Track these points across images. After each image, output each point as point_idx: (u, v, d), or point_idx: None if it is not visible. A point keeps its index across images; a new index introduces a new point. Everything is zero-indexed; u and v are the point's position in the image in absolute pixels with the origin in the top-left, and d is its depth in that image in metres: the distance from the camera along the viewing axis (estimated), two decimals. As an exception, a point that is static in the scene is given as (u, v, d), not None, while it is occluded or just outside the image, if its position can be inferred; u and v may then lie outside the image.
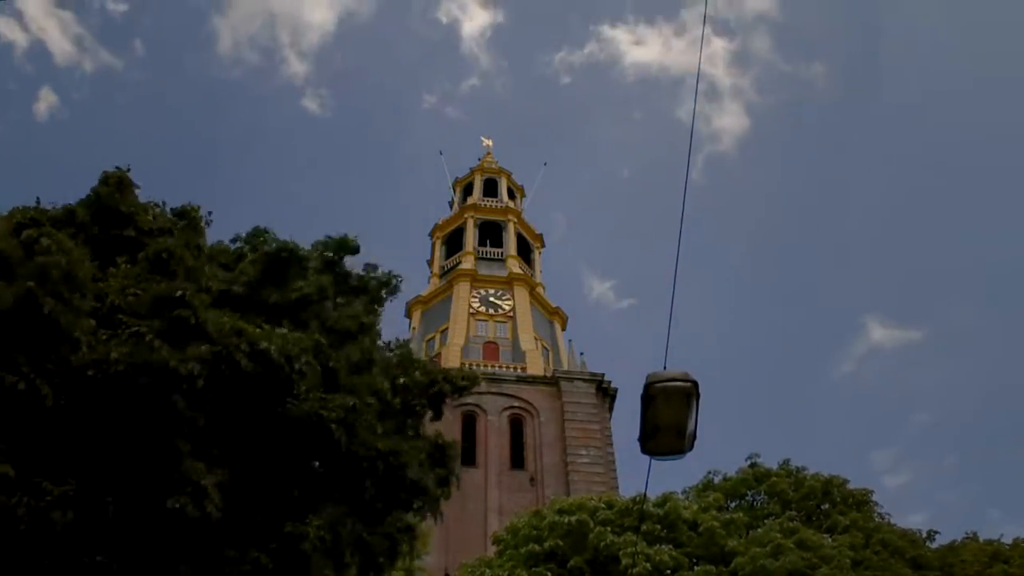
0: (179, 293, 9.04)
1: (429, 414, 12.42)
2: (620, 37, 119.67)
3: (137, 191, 11.65)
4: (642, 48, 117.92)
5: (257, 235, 12.08)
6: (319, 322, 10.80)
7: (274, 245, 11.40)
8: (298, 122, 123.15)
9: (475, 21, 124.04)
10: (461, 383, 12.33)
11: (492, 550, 25.08)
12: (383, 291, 12.70)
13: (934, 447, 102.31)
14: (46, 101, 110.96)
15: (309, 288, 10.88)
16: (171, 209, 12.14)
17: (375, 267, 12.69)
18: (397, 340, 12.97)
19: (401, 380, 11.66)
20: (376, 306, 12.64)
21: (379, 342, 12.19)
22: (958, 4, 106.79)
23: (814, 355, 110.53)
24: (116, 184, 11.24)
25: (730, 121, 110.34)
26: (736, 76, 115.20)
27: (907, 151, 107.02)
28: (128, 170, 11.57)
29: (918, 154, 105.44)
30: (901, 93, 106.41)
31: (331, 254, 12.30)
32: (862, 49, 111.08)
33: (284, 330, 9.75)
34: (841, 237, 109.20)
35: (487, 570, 22.56)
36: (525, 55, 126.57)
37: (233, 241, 12.40)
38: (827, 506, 25.52)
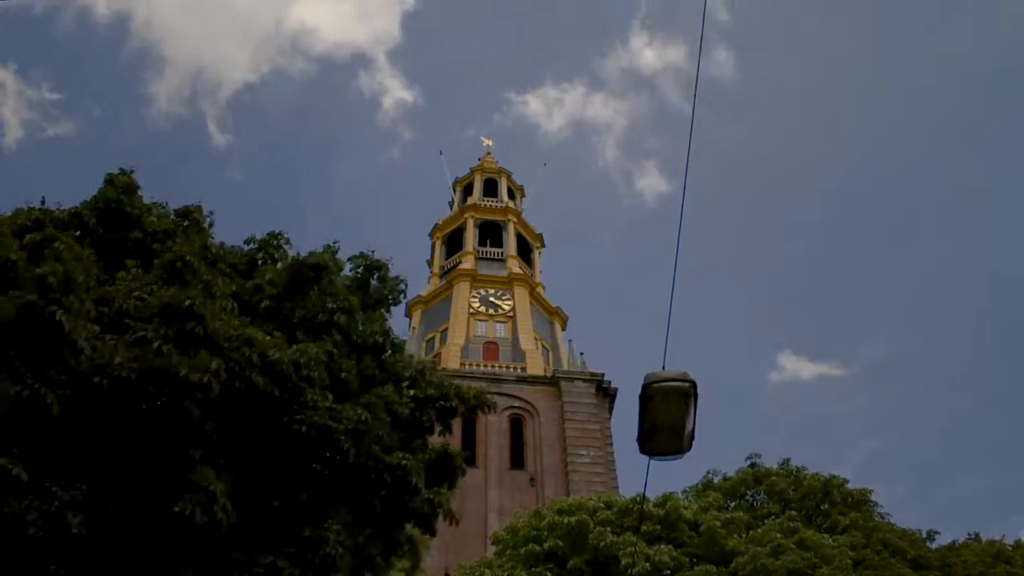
0: (187, 303, 9.01)
1: (437, 429, 12.40)
2: (534, 102, 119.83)
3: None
4: (559, 109, 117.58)
5: (272, 240, 12.08)
6: (343, 336, 10.80)
7: (298, 256, 11.41)
8: (298, 121, 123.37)
9: (394, 95, 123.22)
10: (472, 402, 12.32)
11: (492, 550, 25.12)
12: (389, 297, 12.74)
13: (881, 471, 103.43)
14: (13, 136, 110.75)
15: (337, 305, 10.87)
16: (174, 210, 12.15)
17: (386, 276, 12.70)
18: (411, 355, 12.99)
19: (412, 392, 11.66)
20: (385, 312, 12.72)
21: (397, 354, 12.16)
22: (867, 60, 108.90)
23: (733, 387, 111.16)
24: (122, 186, 11.24)
25: (650, 182, 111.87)
26: (654, 134, 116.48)
27: (811, 206, 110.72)
28: (132, 172, 11.59)
29: (822, 207, 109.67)
30: (811, 144, 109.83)
31: (360, 273, 12.35)
32: (772, 104, 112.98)
33: (298, 344, 9.74)
34: (755, 283, 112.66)
35: (487, 570, 22.60)
36: (443, 129, 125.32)
37: (247, 243, 12.38)
38: (827, 506, 25.55)
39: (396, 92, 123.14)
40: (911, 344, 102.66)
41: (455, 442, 14.98)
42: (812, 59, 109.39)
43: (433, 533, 11.43)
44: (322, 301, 10.89)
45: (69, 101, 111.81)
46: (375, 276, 12.52)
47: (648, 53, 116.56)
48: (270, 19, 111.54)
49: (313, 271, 10.99)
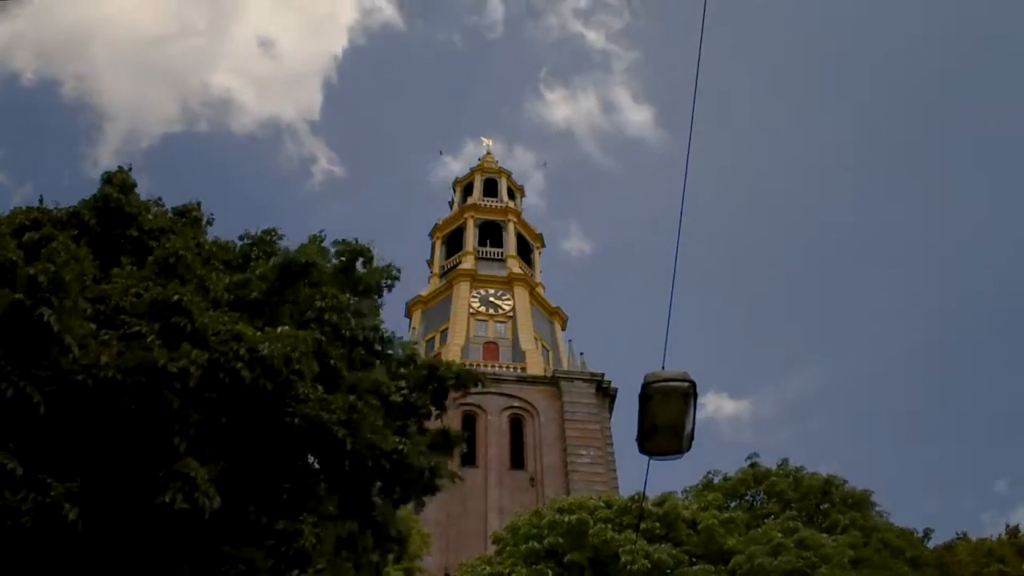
0: (176, 298, 9.01)
1: (433, 413, 12.41)
2: (455, 163, 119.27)
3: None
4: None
5: (266, 236, 12.05)
6: (333, 331, 10.81)
7: (287, 252, 11.40)
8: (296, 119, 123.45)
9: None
10: (464, 377, 12.29)
11: (492, 550, 25.13)
12: (382, 282, 12.68)
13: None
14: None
15: (326, 302, 10.88)
16: (171, 208, 12.15)
17: (371, 261, 12.64)
18: (399, 338, 12.93)
19: (402, 371, 11.62)
20: (378, 298, 12.68)
21: (386, 344, 12.13)
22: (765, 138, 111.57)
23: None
24: (120, 184, 11.25)
25: (573, 244, 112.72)
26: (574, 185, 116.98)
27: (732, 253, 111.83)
28: (130, 169, 11.61)
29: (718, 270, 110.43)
30: (715, 200, 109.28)
31: (344, 260, 12.28)
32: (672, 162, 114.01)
33: (284, 328, 9.72)
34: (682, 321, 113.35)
35: (487, 567, 22.63)
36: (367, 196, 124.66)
37: (241, 239, 12.33)
38: (827, 506, 25.56)
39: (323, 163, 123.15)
40: (836, 378, 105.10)
41: (447, 421, 14.94)
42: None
43: (434, 491, 11.42)
44: (311, 297, 10.88)
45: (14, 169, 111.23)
46: (359, 262, 12.44)
47: (561, 106, 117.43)
48: (197, 82, 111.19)
49: (301, 267, 10.97)
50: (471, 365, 41.16)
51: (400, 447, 10.17)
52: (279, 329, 9.61)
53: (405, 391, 11.39)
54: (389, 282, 12.72)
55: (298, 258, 11.02)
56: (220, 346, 8.96)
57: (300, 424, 9.27)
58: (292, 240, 12.09)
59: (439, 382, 12.04)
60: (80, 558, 8.52)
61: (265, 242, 12.03)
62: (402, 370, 11.73)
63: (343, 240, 12.44)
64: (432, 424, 12.35)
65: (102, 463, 8.63)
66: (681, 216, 7.42)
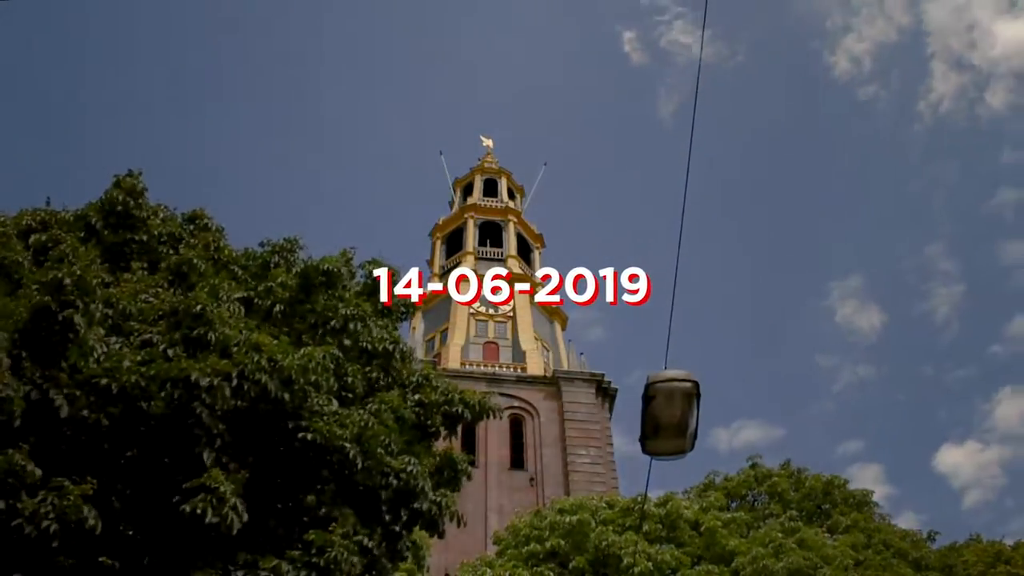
0: (198, 308, 9.01)
1: (443, 434, 12.37)
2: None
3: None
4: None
5: (287, 244, 12.06)
6: (353, 342, 10.80)
7: (309, 261, 11.45)
8: (297, 119, 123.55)
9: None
10: (477, 408, 12.30)
11: (492, 550, 25.13)
12: (402, 306, 12.83)
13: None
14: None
15: (350, 311, 10.90)
16: (181, 214, 12.14)
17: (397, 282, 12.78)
18: (419, 359, 13.02)
19: (417, 397, 11.64)
20: (398, 321, 12.82)
21: (406, 362, 12.12)
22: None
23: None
24: (128, 188, 11.23)
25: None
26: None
27: None
28: (140, 174, 11.59)
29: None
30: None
31: (370, 279, 12.40)
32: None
33: (306, 349, 9.73)
34: None
35: (488, 570, 22.61)
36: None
37: (261, 246, 12.35)
38: (828, 506, 25.58)
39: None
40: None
41: (456, 443, 14.94)
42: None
43: (441, 535, 11.40)
44: (333, 306, 10.89)
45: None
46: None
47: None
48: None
49: (324, 276, 10.98)
50: (471, 365, 41.32)
51: (410, 467, 10.18)
52: (302, 351, 9.64)
53: (419, 410, 11.40)
54: (404, 310, 12.86)
55: (321, 267, 11.04)
56: (243, 357, 8.97)
57: (315, 439, 9.28)
58: (319, 250, 12.17)
59: (452, 407, 12.02)
60: (98, 561, 8.51)
61: (285, 250, 12.03)
62: (417, 396, 11.73)
63: (372, 259, 12.54)
64: (440, 444, 12.34)
65: (123, 468, 8.63)
66: (682, 216, 7.44)
